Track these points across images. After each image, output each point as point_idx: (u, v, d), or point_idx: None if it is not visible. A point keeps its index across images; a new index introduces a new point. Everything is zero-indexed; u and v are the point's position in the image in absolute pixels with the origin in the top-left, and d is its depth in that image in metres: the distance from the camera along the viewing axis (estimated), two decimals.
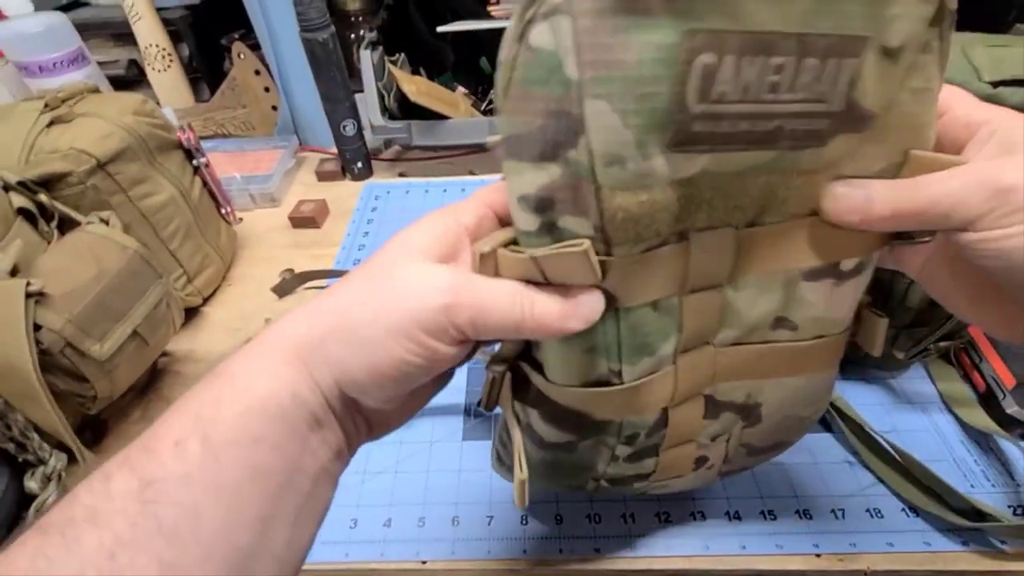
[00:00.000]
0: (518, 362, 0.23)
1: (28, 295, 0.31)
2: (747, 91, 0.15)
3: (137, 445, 0.16)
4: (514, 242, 0.19)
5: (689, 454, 0.27)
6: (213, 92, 0.73)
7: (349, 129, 0.63)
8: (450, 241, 0.20)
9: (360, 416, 0.21)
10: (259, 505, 0.17)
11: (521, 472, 0.23)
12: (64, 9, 0.70)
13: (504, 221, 0.21)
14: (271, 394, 0.17)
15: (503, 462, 0.31)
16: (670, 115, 0.15)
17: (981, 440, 0.37)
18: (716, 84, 0.15)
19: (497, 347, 0.24)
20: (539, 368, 0.23)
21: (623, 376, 0.22)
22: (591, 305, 0.19)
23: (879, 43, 0.16)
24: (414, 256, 0.19)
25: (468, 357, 0.22)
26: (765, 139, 0.17)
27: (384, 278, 0.18)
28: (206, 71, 0.76)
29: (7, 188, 0.37)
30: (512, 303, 0.18)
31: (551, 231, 0.18)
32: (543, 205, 0.17)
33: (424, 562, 0.33)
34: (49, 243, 0.38)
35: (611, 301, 0.19)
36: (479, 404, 0.24)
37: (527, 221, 0.18)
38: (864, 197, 0.18)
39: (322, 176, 0.68)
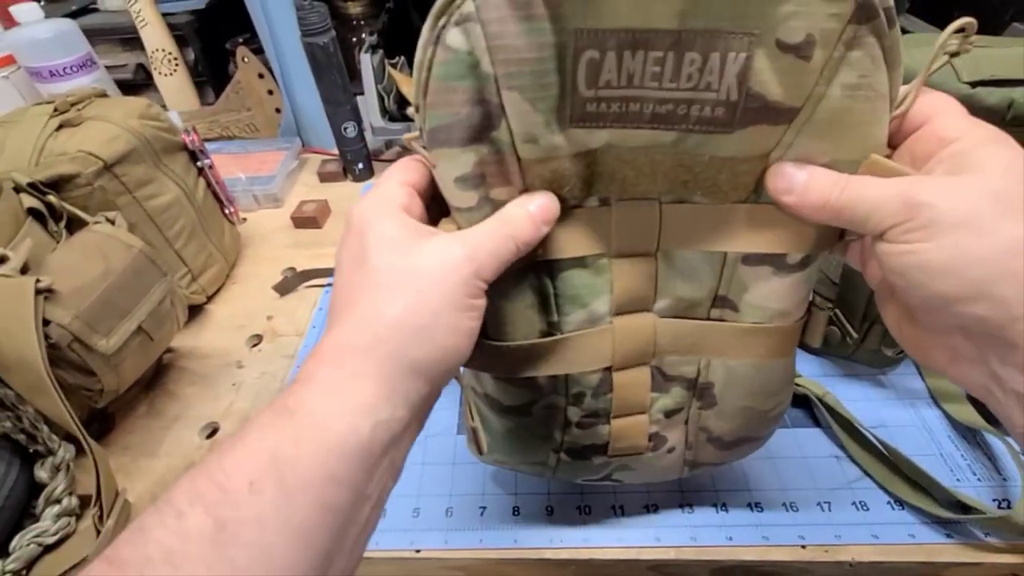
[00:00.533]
0: None
1: (38, 291, 0.32)
2: (631, 79, 0.18)
3: (206, 476, 0.16)
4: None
5: (642, 427, 0.28)
6: (218, 95, 0.74)
7: (350, 131, 0.65)
8: (413, 223, 0.21)
9: (427, 409, 0.22)
10: (325, 541, 0.17)
11: (472, 421, 0.26)
12: (73, 15, 0.72)
13: (423, 195, 0.23)
14: (351, 430, 0.17)
15: (472, 439, 0.32)
16: (567, 98, 0.19)
17: (969, 435, 0.38)
18: (602, 73, 0.18)
19: None
20: (483, 331, 0.24)
21: (561, 328, 0.25)
22: (549, 207, 0.21)
23: (772, 38, 0.17)
24: (414, 238, 0.20)
25: None
26: (659, 120, 0.19)
27: (410, 273, 0.19)
28: (211, 75, 0.78)
29: (18, 189, 0.39)
30: (505, 239, 0.21)
31: (486, 204, 0.21)
32: (477, 182, 0.20)
33: (418, 551, 0.34)
34: (58, 242, 0.39)
35: (540, 253, 0.22)
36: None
37: (464, 199, 0.21)
38: (803, 180, 0.19)
39: (324, 177, 0.69)
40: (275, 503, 0.16)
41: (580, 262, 0.23)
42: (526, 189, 0.21)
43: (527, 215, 0.21)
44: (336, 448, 0.17)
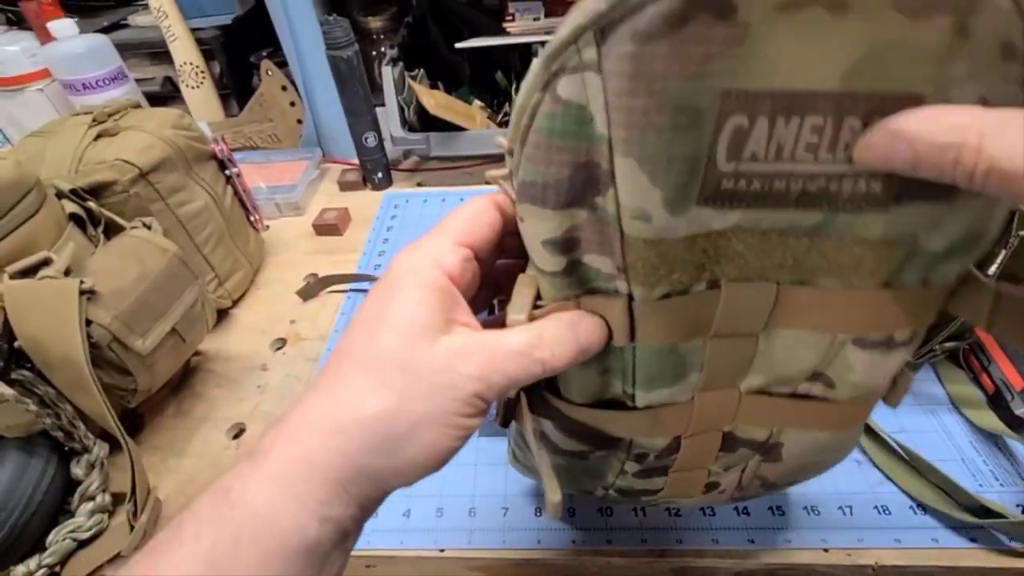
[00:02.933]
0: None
1: (81, 292, 0.33)
2: (780, 151, 0.15)
3: (146, 569, 0.15)
4: (537, 295, 0.20)
5: (700, 479, 0.27)
6: (242, 107, 0.77)
7: (371, 141, 0.66)
8: (446, 302, 0.18)
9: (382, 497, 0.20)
10: None
11: (553, 495, 0.22)
12: (106, 31, 0.75)
13: (480, 258, 0.20)
14: (296, 527, 0.16)
15: (518, 460, 0.32)
16: (699, 172, 0.15)
17: (990, 441, 0.38)
18: (748, 145, 0.15)
19: None
20: (554, 387, 0.23)
21: (636, 400, 0.22)
22: (595, 335, 0.19)
23: (943, 99, 0.14)
24: (431, 328, 0.18)
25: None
26: (807, 200, 0.16)
27: (406, 370, 0.17)
28: (235, 87, 0.80)
29: (60, 196, 0.40)
30: (532, 362, 0.18)
31: (576, 268, 0.18)
32: (569, 245, 0.18)
33: (442, 550, 0.35)
34: (96, 246, 0.41)
35: (630, 339, 0.20)
36: (495, 420, 0.25)
37: (552, 263, 0.18)
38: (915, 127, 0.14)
39: (344, 186, 0.71)
40: None
41: (671, 347, 0.20)
42: (625, 268, 0.18)
43: (571, 342, 0.18)
44: (279, 549, 0.16)
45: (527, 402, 0.23)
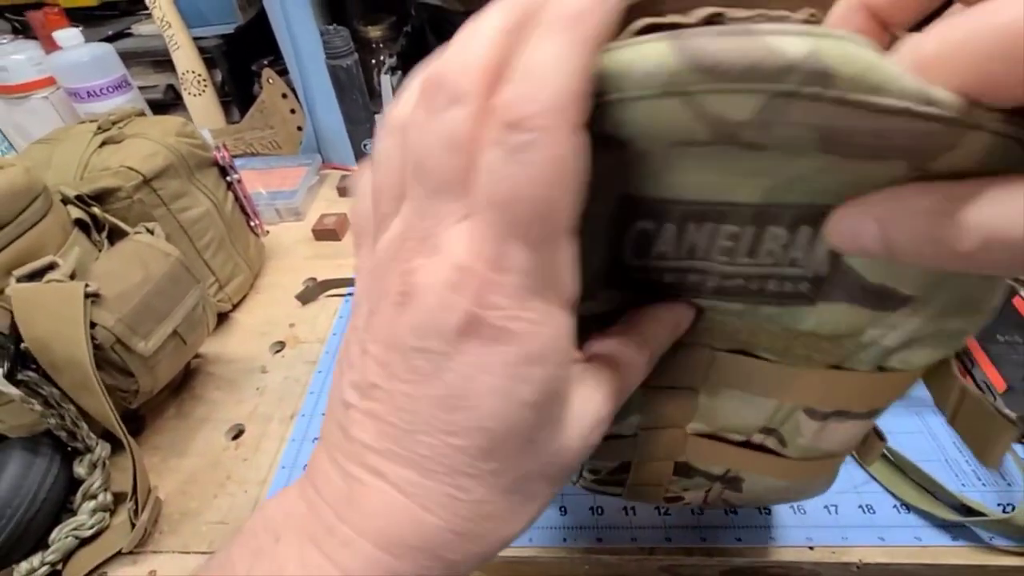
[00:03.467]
0: None
1: (86, 296, 0.34)
2: (693, 251, 0.15)
3: None
4: None
5: (659, 494, 0.27)
6: (243, 114, 0.78)
7: (369, 147, 0.67)
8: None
9: None
10: None
11: None
12: (110, 40, 0.76)
13: None
14: None
15: None
16: (607, 261, 0.15)
17: None
18: (655, 246, 0.15)
19: None
20: None
21: None
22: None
23: None
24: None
25: None
26: (724, 292, 0.16)
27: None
28: (237, 95, 0.82)
29: (66, 201, 0.41)
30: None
31: None
32: None
33: None
34: (100, 251, 0.42)
35: None
36: None
37: None
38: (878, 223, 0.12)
39: (343, 191, 0.72)
40: None
41: None
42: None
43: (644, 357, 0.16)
44: None
45: None
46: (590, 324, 0.16)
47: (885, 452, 0.37)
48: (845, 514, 0.35)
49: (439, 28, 0.78)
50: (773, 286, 0.15)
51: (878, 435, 0.22)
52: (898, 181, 0.11)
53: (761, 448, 0.21)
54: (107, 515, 0.37)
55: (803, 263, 0.14)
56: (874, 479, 0.37)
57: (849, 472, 0.37)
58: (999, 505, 0.35)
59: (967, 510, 0.33)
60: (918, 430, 0.40)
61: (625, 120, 0.12)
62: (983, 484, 0.36)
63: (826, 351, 0.17)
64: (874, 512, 0.35)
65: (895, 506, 0.35)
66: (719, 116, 0.11)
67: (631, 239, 0.15)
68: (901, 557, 0.33)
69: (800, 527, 0.35)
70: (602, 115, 0.12)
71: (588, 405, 0.15)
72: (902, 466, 0.36)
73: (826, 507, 0.35)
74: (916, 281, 0.14)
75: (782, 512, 0.35)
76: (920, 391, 0.43)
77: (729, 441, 0.22)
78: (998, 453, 0.17)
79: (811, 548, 0.34)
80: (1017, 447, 0.37)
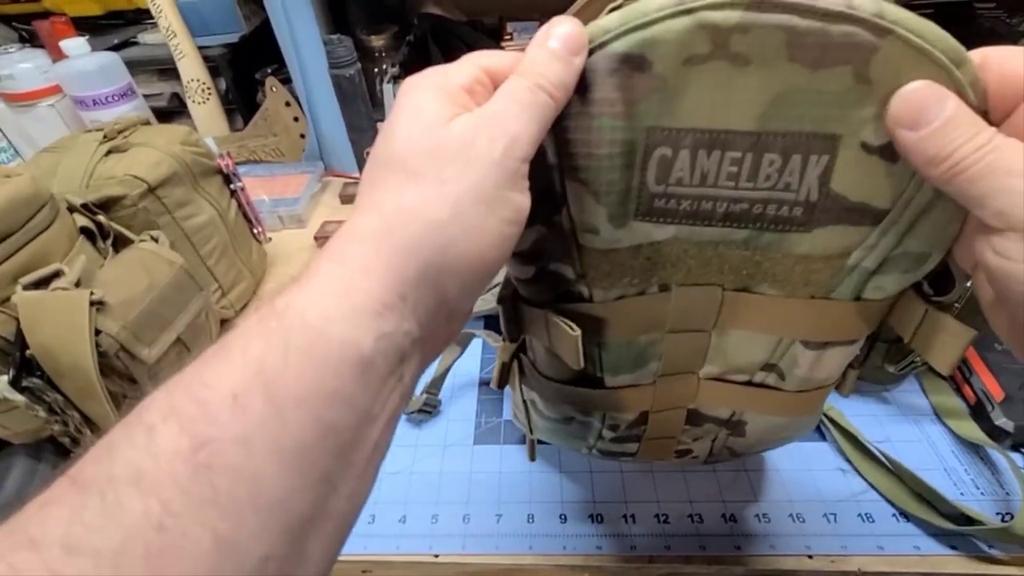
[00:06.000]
0: (521, 354, 0.27)
1: (91, 303, 0.35)
2: (705, 178, 0.18)
3: (183, 389, 0.14)
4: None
5: (670, 447, 0.30)
6: (246, 122, 0.78)
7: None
8: (456, 100, 0.17)
9: (440, 334, 0.18)
10: (324, 465, 0.14)
11: (531, 434, 0.29)
12: (116, 48, 0.77)
13: (497, 83, 0.18)
14: (351, 341, 0.14)
15: (517, 418, 0.34)
16: (633, 193, 0.19)
17: (972, 451, 0.39)
18: (673, 171, 0.18)
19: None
20: (533, 364, 0.27)
21: (604, 382, 0.25)
22: (574, 35, 0.18)
23: (856, 140, 0.16)
24: (447, 114, 0.17)
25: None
26: (732, 218, 0.19)
27: (432, 155, 0.16)
28: (240, 103, 0.82)
29: (72, 210, 0.42)
30: (534, 93, 0.17)
31: (544, 275, 0.22)
32: (536, 256, 0.21)
33: (436, 556, 0.35)
34: (105, 259, 0.42)
35: (594, 334, 0.23)
36: (492, 384, 0.29)
37: (524, 271, 0.22)
38: (943, 117, 0.15)
39: (345, 199, 0.72)
40: (263, 421, 0.13)
41: (629, 341, 0.23)
42: (584, 273, 0.21)
43: (550, 54, 0.17)
44: (332, 361, 0.14)
45: (519, 373, 0.27)
46: (625, 255, 0.20)
47: (884, 461, 0.37)
48: (844, 523, 0.35)
49: (441, 38, 0.79)
50: (772, 210, 0.18)
51: (851, 366, 0.25)
52: (849, 92, 0.16)
53: (763, 386, 0.25)
54: None
55: (795, 188, 0.18)
56: (873, 488, 0.37)
57: (848, 481, 0.38)
58: (997, 514, 0.35)
59: (966, 519, 0.33)
60: (917, 439, 0.40)
61: (649, 37, 0.16)
62: (981, 493, 0.36)
63: (819, 273, 0.20)
64: (873, 521, 0.35)
65: (894, 515, 0.35)
66: (715, 24, 0.15)
67: (653, 165, 0.18)
68: (900, 566, 0.33)
69: (799, 535, 0.35)
70: (636, 38, 0.16)
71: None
72: (901, 475, 0.36)
73: (825, 516, 0.36)
74: (887, 196, 0.17)
75: (781, 520, 0.36)
76: (919, 399, 0.43)
77: (735, 382, 0.25)
78: (952, 358, 0.20)
79: (810, 557, 0.34)
80: (1016, 456, 0.37)
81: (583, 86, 0.17)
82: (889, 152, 0.16)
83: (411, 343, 0.16)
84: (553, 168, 0.18)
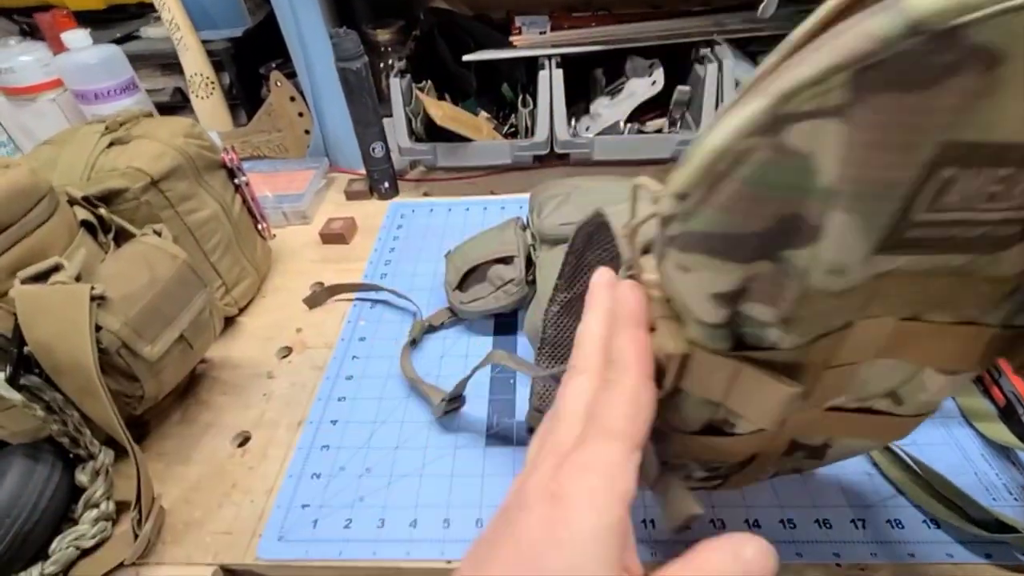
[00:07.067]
0: None
1: (92, 298, 0.33)
2: (968, 200, 0.14)
3: None
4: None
5: (755, 478, 0.28)
6: (250, 117, 0.77)
7: (378, 151, 0.67)
8: (620, 549, 0.16)
9: None
10: None
11: (693, 508, 0.21)
12: (118, 42, 0.76)
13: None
14: None
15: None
16: (893, 223, 0.14)
17: (1002, 454, 0.37)
18: (948, 195, 0.14)
19: None
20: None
21: (737, 428, 0.22)
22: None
23: None
24: None
25: None
26: (966, 245, 0.16)
27: None
28: (244, 98, 0.81)
29: (72, 202, 0.40)
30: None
31: (733, 320, 0.17)
32: (735, 297, 0.17)
33: (449, 562, 0.34)
34: (106, 253, 0.41)
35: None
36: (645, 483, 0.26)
37: (713, 315, 0.17)
38: None
39: (350, 195, 0.71)
40: None
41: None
42: (790, 319, 0.17)
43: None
44: None
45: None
46: (848, 295, 0.16)
47: (913, 465, 0.36)
48: (873, 529, 0.34)
49: (448, 32, 0.77)
50: (1003, 230, 0.15)
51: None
52: None
53: (875, 412, 0.22)
54: (109, 525, 0.36)
55: None
56: (902, 493, 0.35)
57: (875, 485, 0.36)
58: None
59: (1000, 526, 0.32)
60: (945, 442, 0.38)
61: (1000, 28, 0.11)
62: (1015, 499, 0.35)
63: (987, 297, 0.17)
64: (903, 527, 0.34)
65: (925, 521, 0.34)
66: None
67: (932, 187, 0.14)
68: (933, 575, 0.32)
69: (826, 542, 0.33)
70: (1000, 25, 0.11)
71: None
72: (930, 478, 0.35)
73: (853, 522, 0.34)
74: None
75: (808, 527, 0.34)
76: (946, 402, 0.41)
77: (847, 409, 0.22)
78: None
79: (839, 565, 0.32)
80: None
81: (912, 83, 0.12)
82: None
83: None
84: (822, 193, 0.14)
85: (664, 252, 0.17)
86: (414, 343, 0.49)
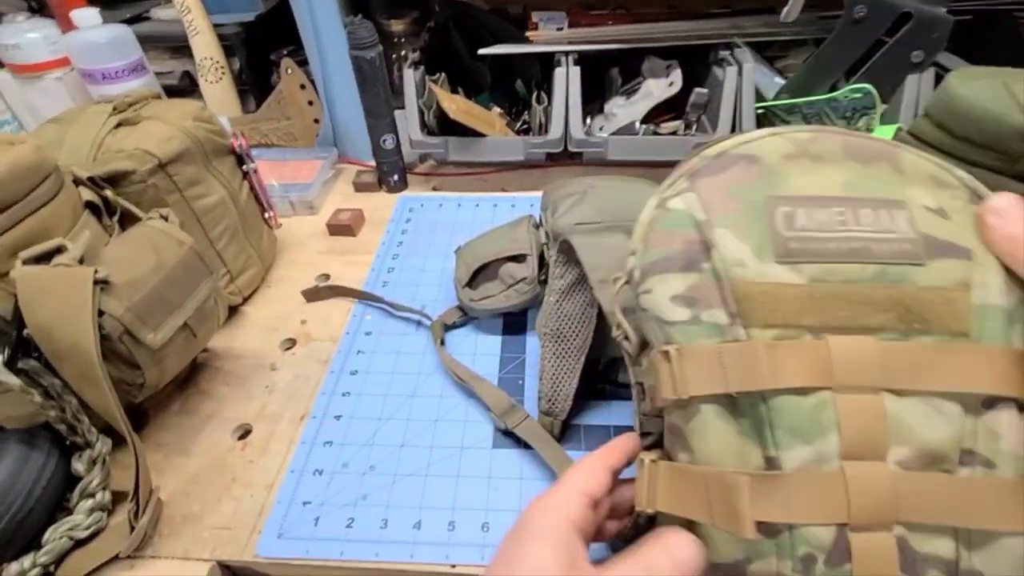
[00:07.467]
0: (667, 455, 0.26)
1: (95, 282, 0.32)
2: (823, 225, 0.22)
3: None
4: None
5: None
6: (259, 104, 0.76)
7: (388, 143, 0.66)
8: (571, 554, 0.23)
9: None
10: None
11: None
12: (128, 22, 0.74)
13: (598, 503, 0.26)
14: None
15: None
16: (771, 237, 0.23)
17: None
18: (796, 221, 0.23)
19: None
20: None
21: (781, 463, 0.21)
22: (691, 555, 0.23)
23: (918, 204, 0.22)
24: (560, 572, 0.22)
25: None
26: (855, 254, 0.22)
27: None
28: (254, 84, 0.80)
29: (77, 183, 0.39)
30: None
31: (699, 322, 0.23)
32: (690, 302, 0.23)
33: (454, 566, 0.33)
34: (111, 235, 0.40)
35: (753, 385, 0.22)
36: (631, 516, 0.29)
37: (680, 313, 0.23)
38: (1006, 206, 0.22)
39: (359, 187, 0.70)
40: None
41: (799, 391, 0.21)
42: (737, 312, 0.22)
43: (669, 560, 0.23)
44: None
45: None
46: (773, 290, 0.23)
47: None
48: None
49: (463, 25, 0.76)
50: (886, 246, 0.23)
51: None
52: (892, 177, 0.24)
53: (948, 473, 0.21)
54: (105, 515, 0.35)
55: (894, 230, 0.23)
56: None
57: None
58: None
59: None
60: None
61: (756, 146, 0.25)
62: None
63: (959, 304, 0.22)
64: None
65: None
66: (795, 138, 0.25)
67: (780, 217, 0.24)
68: None
69: None
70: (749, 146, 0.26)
71: None
72: None
73: None
74: (965, 236, 0.23)
75: None
76: None
77: (913, 468, 0.21)
78: None
79: None
80: None
81: (713, 171, 0.25)
82: (943, 214, 0.22)
83: None
84: (700, 223, 0.24)
85: (636, 292, 0.25)
86: (442, 343, 0.48)
